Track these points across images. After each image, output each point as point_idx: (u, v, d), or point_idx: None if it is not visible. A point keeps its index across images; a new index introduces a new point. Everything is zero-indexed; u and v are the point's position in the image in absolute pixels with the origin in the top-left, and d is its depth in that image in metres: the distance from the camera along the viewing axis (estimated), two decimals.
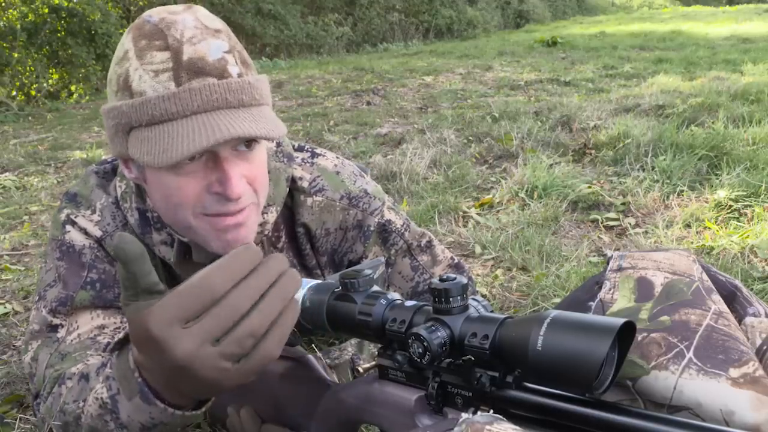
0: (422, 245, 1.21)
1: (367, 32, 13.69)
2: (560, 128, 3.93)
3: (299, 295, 0.74)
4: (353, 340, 1.30)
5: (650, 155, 3.06)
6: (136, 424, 0.73)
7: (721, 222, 2.27)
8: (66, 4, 8.80)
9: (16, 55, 8.25)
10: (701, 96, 4.41)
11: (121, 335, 0.97)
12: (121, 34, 0.93)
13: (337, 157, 1.16)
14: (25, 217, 3.10)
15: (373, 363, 0.74)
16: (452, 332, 0.62)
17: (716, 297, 0.72)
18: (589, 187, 2.68)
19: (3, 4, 8.64)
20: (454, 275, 0.63)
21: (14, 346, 1.77)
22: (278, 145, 1.09)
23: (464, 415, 0.55)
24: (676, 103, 4.25)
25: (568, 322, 0.54)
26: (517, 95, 5.69)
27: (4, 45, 8.20)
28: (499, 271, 2.05)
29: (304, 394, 0.86)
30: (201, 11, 0.90)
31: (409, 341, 0.62)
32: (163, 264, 1.05)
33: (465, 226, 2.49)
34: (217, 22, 0.90)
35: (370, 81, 7.22)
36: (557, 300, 1.76)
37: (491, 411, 0.60)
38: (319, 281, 0.76)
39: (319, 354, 1.17)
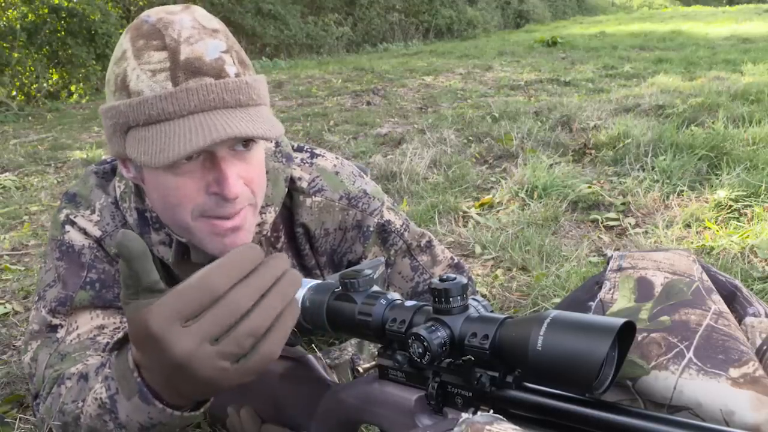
0: (422, 245, 1.21)
1: (367, 32, 13.69)
2: (560, 128, 3.93)
3: (299, 295, 0.74)
4: (353, 340, 1.30)
5: (650, 155, 3.06)
6: (134, 424, 0.73)
7: (721, 222, 2.27)
8: (66, 4, 8.80)
9: (16, 55, 8.25)
10: (701, 96, 4.41)
11: (120, 335, 0.97)
12: (121, 34, 0.93)
13: (337, 158, 1.16)
14: (25, 217, 3.10)
15: (373, 363, 0.74)
16: (452, 332, 0.62)
17: (716, 297, 0.72)
18: (589, 187, 2.68)
19: (3, 4, 8.64)
20: (454, 275, 0.63)
21: (14, 346, 1.77)
22: (277, 145, 1.09)
23: (464, 415, 0.55)
24: (676, 103, 4.25)
25: (568, 322, 0.54)
26: (517, 95, 5.69)
27: (4, 45, 8.20)
28: (499, 271, 2.05)
29: (304, 394, 0.86)
30: (199, 11, 0.90)
31: (409, 341, 0.62)
32: (162, 264, 1.05)
33: (465, 226, 2.49)
34: (215, 22, 0.90)
35: (370, 81, 7.22)
36: (557, 300, 1.76)
37: (491, 411, 0.60)
38: (319, 281, 0.76)
39: (319, 354, 1.17)
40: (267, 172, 1.03)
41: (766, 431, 0.59)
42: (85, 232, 1.02)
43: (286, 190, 1.08)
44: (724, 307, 0.70)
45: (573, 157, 3.36)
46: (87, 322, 0.97)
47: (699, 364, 0.64)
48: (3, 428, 1.27)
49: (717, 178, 2.67)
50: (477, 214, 2.61)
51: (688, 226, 2.26)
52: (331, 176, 1.12)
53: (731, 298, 0.76)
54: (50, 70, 8.79)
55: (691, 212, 2.33)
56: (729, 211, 2.33)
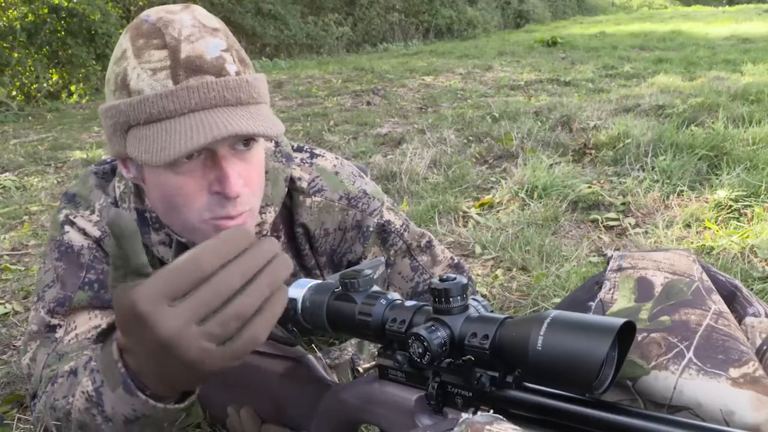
0: (422, 245, 1.21)
1: (367, 32, 13.69)
2: (560, 128, 3.93)
3: (299, 295, 0.74)
4: (353, 340, 1.30)
5: (650, 155, 3.06)
6: (119, 416, 0.72)
7: (721, 222, 2.27)
8: (66, 4, 8.79)
9: (16, 55, 8.24)
10: (701, 96, 4.41)
11: (104, 326, 0.97)
12: (121, 33, 0.94)
13: (336, 158, 1.16)
14: (25, 217, 3.10)
15: (373, 363, 0.74)
16: (452, 332, 0.62)
17: (716, 297, 0.72)
18: (589, 187, 2.68)
19: (3, 4, 8.64)
20: (453, 275, 0.63)
21: (14, 346, 1.77)
22: (277, 145, 1.09)
23: (464, 415, 0.55)
24: (676, 103, 4.25)
25: (568, 322, 0.54)
26: (517, 95, 5.69)
27: (4, 45, 8.20)
28: (499, 271, 2.05)
29: (304, 394, 0.86)
30: (199, 10, 0.91)
31: (409, 341, 0.62)
32: (162, 264, 1.05)
33: (465, 226, 2.49)
34: (215, 21, 0.90)
35: (370, 81, 7.22)
36: (557, 300, 1.75)
37: (491, 411, 0.60)
38: (319, 281, 0.76)
39: (319, 354, 1.17)
40: (267, 172, 1.03)
41: (766, 431, 0.59)
42: (84, 233, 1.02)
43: (286, 190, 1.08)
44: (724, 307, 0.70)
45: (573, 157, 3.36)
46: (85, 323, 0.97)
47: (699, 364, 0.64)
48: (3, 428, 1.27)
49: (717, 178, 2.67)
50: (477, 214, 2.61)
51: (688, 226, 2.26)
52: (331, 176, 1.12)
53: (731, 298, 0.76)
54: (50, 70, 8.79)
55: (691, 212, 2.33)
56: (729, 211, 2.33)
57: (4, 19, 8.63)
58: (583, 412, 0.55)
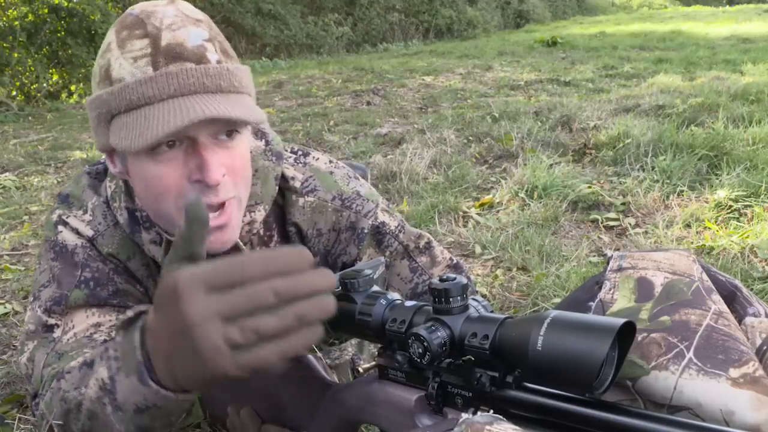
0: (420, 247, 1.21)
1: (367, 32, 13.69)
2: (560, 128, 3.93)
3: None
4: (353, 340, 1.30)
5: (650, 155, 3.06)
6: (131, 405, 0.73)
7: (721, 222, 2.27)
8: (66, 4, 8.80)
9: (16, 55, 8.24)
10: (701, 96, 4.41)
11: (130, 313, 0.97)
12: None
13: (331, 161, 1.16)
14: (25, 217, 3.10)
15: (373, 363, 0.74)
16: (452, 332, 0.62)
17: (716, 297, 0.72)
18: (589, 187, 2.68)
19: (3, 4, 8.64)
20: (453, 275, 0.63)
21: (14, 346, 1.77)
22: (267, 143, 1.09)
23: (464, 416, 0.55)
24: (676, 103, 4.25)
25: (568, 322, 0.54)
26: (517, 95, 5.69)
27: (4, 45, 8.20)
28: (499, 271, 2.05)
29: (304, 394, 0.86)
30: (184, 4, 0.92)
31: (409, 341, 0.62)
32: (155, 263, 1.05)
33: (465, 226, 2.49)
34: (199, 14, 0.91)
35: (370, 81, 7.22)
36: (557, 300, 1.75)
37: (491, 411, 0.60)
38: None
39: (319, 354, 1.17)
40: (256, 171, 1.03)
41: (766, 431, 0.59)
42: (77, 232, 1.02)
43: (277, 188, 1.07)
44: (724, 307, 0.70)
45: (573, 157, 3.36)
46: (83, 321, 0.97)
47: (699, 364, 0.64)
48: (3, 428, 1.27)
49: (717, 178, 2.67)
50: (477, 214, 2.61)
51: (688, 226, 2.26)
52: (326, 176, 1.12)
53: (731, 298, 0.76)
54: (50, 70, 8.79)
55: (691, 212, 2.33)
56: (729, 211, 2.33)
57: (4, 19, 8.63)
58: (583, 412, 0.55)
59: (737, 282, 0.79)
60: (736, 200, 2.38)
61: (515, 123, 4.07)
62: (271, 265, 0.57)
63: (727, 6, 23.96)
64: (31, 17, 8.62)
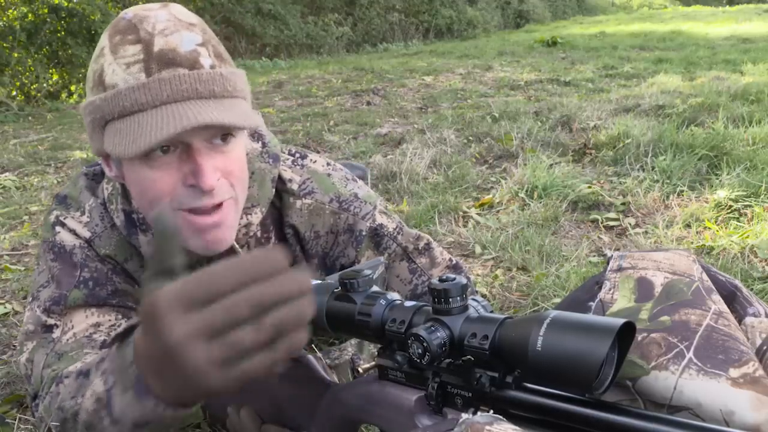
0: (419, 248, 1.21)
1: (367, 32, 13.69)
2: (560, 128, 3.93)
3: None
4: (353, 340, 1.30)
5: (650, 155, 3.06)
6: (128, 420, 0.72)
7: (721, 222, 2.27)
8: (66, 4, 8.80)
9: (16, 55, 8.24)
10: (701, 96, 4.41)
11: (121, 329, 0.97)
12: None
13: (329, 163, 1.16)
14: (25, 217, 3.10)
15: (373, 363, 0.73)
16: (452, 332, 0.62)
17: (716, 297, 0.72)
18: (589, 187, 2.68)
19: (3, 4, 8.64)
20: (453, 275, 0.63)
21: (14, 346, 1.77)
22: (264, 145, 1.09)
23: (464, 416, 0.55)
24: (676, 103, 4.25)
25: (568, 322, 0.54)
26: (517, 95, 5.69)
27: (4, 45, 8.20)
28: (499, 271, 2.05)
29: (304, 394, 0.86)
30: (177, 7, 0.91)
31: (409, 341, 0.62)
32: None
33: (465, 226, 2.49)
34: (193, 17, 0.91)
35: (370, 81, 7.22)
36: (557, 300, 1.75)
37: (491, 411, 0.60)
38: (319, 281, 0.76)
39: (319, 354, 1.17)
40: (253, 173, 1.03)
41: (766, 431, 0.59)
42: (75, 233, 1.02)
43: (273, 190, 1.07)
44: (724, 307, 0.70)
45: (573, 157, 3.36)
46: (82, 321, 0.97)
47: (699, 364, 0.64)
48: (3, 428, 1.27)
49: (717, 178, 2.67)
50: (477, 214, 2.61)
51: (688, 226, 2.26)
52: (323, 178, 1.12)
53: (731, 298, 0.76)
54: (50, 70, 8.79)
55: (691, 212, 2.33)
56: (729, 211, 2.33)
57: (4, 19, 8.63)
58: (583, 412, 0.55)
59: (737, 282, 0.79)
60: (736, 200, 2.38)
61: (515, 123, 4.07)
62: (242, 273, 0.55)
63: (727, 6, 23.96)
64: (31, 17, 8.62)
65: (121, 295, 1.02)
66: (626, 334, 0.56)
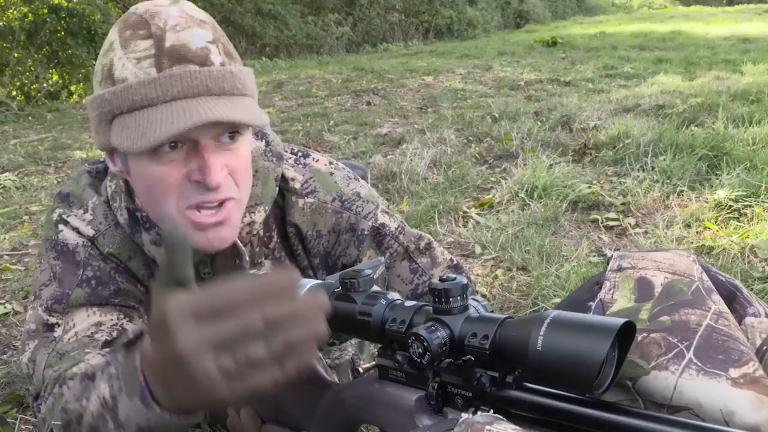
0: (421, 248, 1.21)
1: (367, 32, 13.69)
2: (560, 128, 3.94)
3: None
4: (353, 340, 1.30)
5: (650, 155, 3.06)
6: (133, 425, 0.73)
7: (721, 222, 2.27)
8: (66, 4, 8.80)
9: (16, 55, 8.25)
10: (701, 96, 4.41)
11: (131, 336, 0.97)
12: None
13: (331, 162, 1.16)
14: (25, 217, 3.10)
15: (373, 363, 0.74)
16: (452, 332, 0.62)
17: (716, 297, 0.72)
18: (589, 187, 2.68)
19: (3, 4, 8.64)
20: (453, 275, 0.63)
21: (14, 346, 1.77)
22: (267, 144, 1.09)
23: (464, 416, 0.55)
24: (676, 103, 4.25)
25: (568, 322, 0.54)
26: (517, 95, 5.69)
27: (4, 45, 8.20)
28: (499, 271, 2.05)
29: (304, 394, 0.86)
30: (187, 4, 0.91)
31: (409, 341, 0.62)
32: (155, 264, 1.05)
33: (465, 226, 2.49)
34: (203, 15, 0.91)
35: (370, 81, 7.22)
36: (557, 300, 1.75)
37: (491, 411, 0.60)
38: (319, 281, 0.76)
39: (319, 354, 1.17)
40: (257, 172, 1.03)
41: (766, 431, 0.59)
42: (78, 231, 1.02)
43: (277, 189, 1.07)
44: (724, 307, 0.70)
45: (573, 157, 3.36)
46: (84, 320, 0.97)
47: (699, 364, 0.64)
48: (4, 428, 1.27)
49: (717, 178, 2.67)
50: (477, 214, 2.61)
51: (688, 226, 2.26)
52: (326, 177, 1.12)
53: (731, 298, 0.76)
54: (50, 70, 8.80)
55: (691, 212, 2.33)
56: (729, 211, 2.33)
57: (4, 19, 8.63)
58: (583, 412, 0.55)
59: (737, 282, 0.79)
60: (736, 200, 2.38)
61: (515, 123, 4.07)
62: (259, 291, 0.56)
63: (727, 6, 23.95)
64: (30, 17, 8.62)
65: (124, 294, 1.02)
66: (626, 334, 0.56)
